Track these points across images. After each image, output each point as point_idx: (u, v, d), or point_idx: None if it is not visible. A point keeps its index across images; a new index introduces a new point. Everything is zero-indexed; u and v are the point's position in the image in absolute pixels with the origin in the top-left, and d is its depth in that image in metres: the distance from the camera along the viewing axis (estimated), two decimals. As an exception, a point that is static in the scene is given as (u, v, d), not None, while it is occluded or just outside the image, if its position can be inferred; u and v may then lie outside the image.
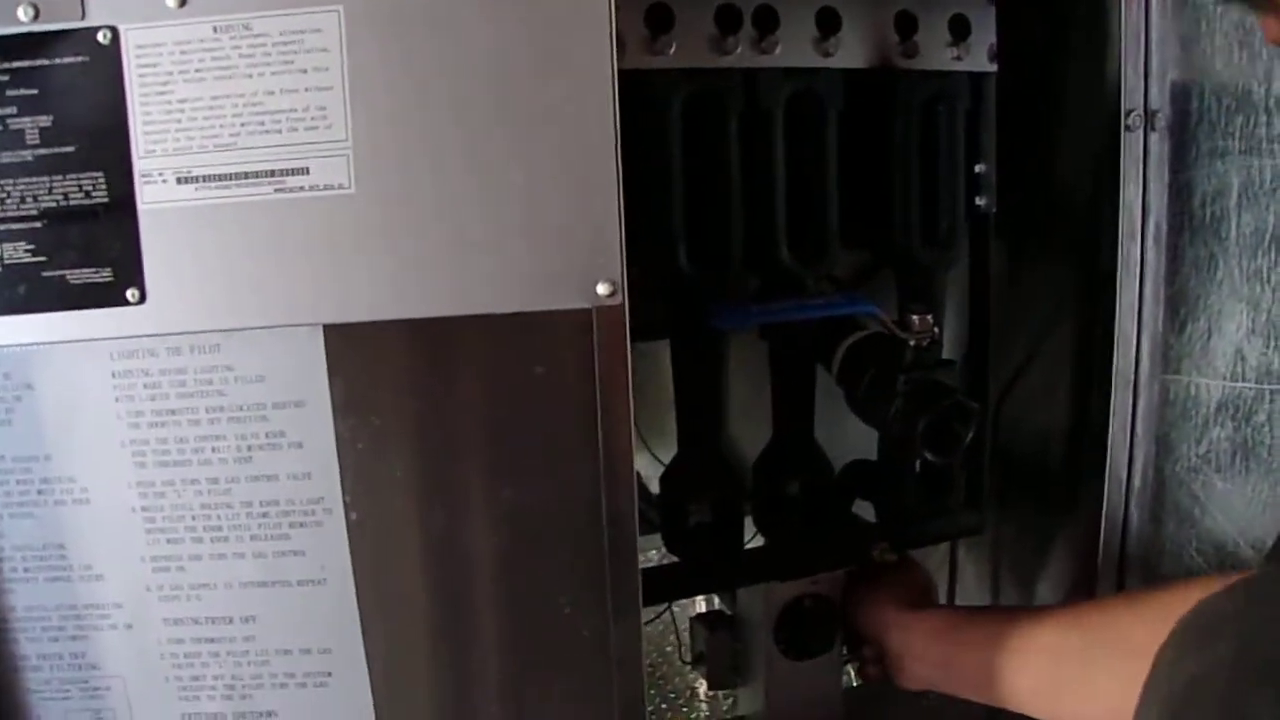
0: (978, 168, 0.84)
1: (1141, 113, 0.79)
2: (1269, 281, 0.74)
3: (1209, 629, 0.45)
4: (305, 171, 0.62)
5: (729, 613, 0.94)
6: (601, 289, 0.63)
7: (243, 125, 0.61)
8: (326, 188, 0.62)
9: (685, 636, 0.96)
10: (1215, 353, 0.78)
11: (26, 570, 0.67)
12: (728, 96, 0.76)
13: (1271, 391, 0.74)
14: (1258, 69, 0.73)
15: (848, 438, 0.89)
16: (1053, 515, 0.93)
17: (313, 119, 0.61)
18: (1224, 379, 0.78)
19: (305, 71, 0.61)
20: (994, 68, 0.82)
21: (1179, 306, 0.81)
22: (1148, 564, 0.85)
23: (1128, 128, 0.79)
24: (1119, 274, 0.80)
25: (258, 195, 0.61)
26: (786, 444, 0.87)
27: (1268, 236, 0.74)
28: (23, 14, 0.60)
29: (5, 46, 0.61)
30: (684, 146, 0.76)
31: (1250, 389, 0.76)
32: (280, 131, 0.61)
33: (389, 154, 0.62)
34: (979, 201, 0.84)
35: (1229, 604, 0.46)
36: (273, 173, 0.61)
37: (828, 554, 0.88)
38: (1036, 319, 0.91)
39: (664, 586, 0.83)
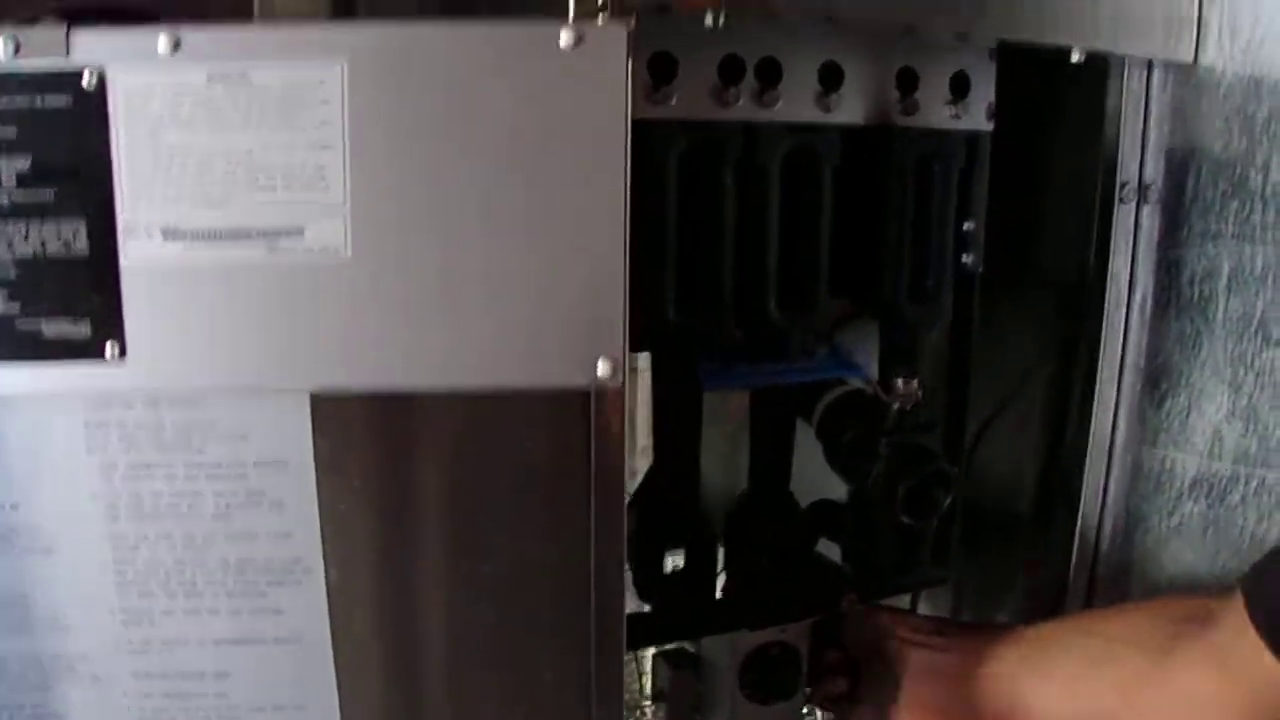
0: (967, 225, 0.83)
1: (1136, 186, 0.79)
2: (1252, 367, 0.75)
3: None
4: (300, 233, 0.59)
5: (692, 651, 0.94)
6: (602, 368, 0.62)
7: (236, 181, 0.58)
8: (321, 250, 0.59)
9: (645, 665, 0.96)
10: (1193, 430, 0.79)
11: (-11, 619, 0.65)
12: (726, 149, 0.74)
13: (1247, 475, 0.76)
14: (1256, 156, 0.73)
15: (819, 475, 0.90)
16: (1016, 568, 0.94)
17: (310, 178, 0.58)
18: (1200, 456, 0.79)
19: (305, 128, 0.58)
20: (990, 126, 0.81)
21: (1160, 381, 0.82)
22: None
23: (1121, 200, 0.79)
24: (1103, 342, 0.81)
25: (249, 255, 0.59)
26: (762, 497, 0.87)
27: (1254, 322, 0.75)
28: (1, 50, 0.57)
29: (-16, 82, 0.57)
30: (678, 197, 0.74)
31: (1226, 470, 0.77)
32: (275, 189, 0.58)
33: (388, 218, 0.59)
34: (966, 259, 0.84)
35: None
36: (266, 232, 0.59)
37: (797, 603, 0.88)
38: (1012, 373, 0.91)
39: (634, 634, 0.83)
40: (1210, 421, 0.78)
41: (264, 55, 0.58)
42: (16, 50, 0.57)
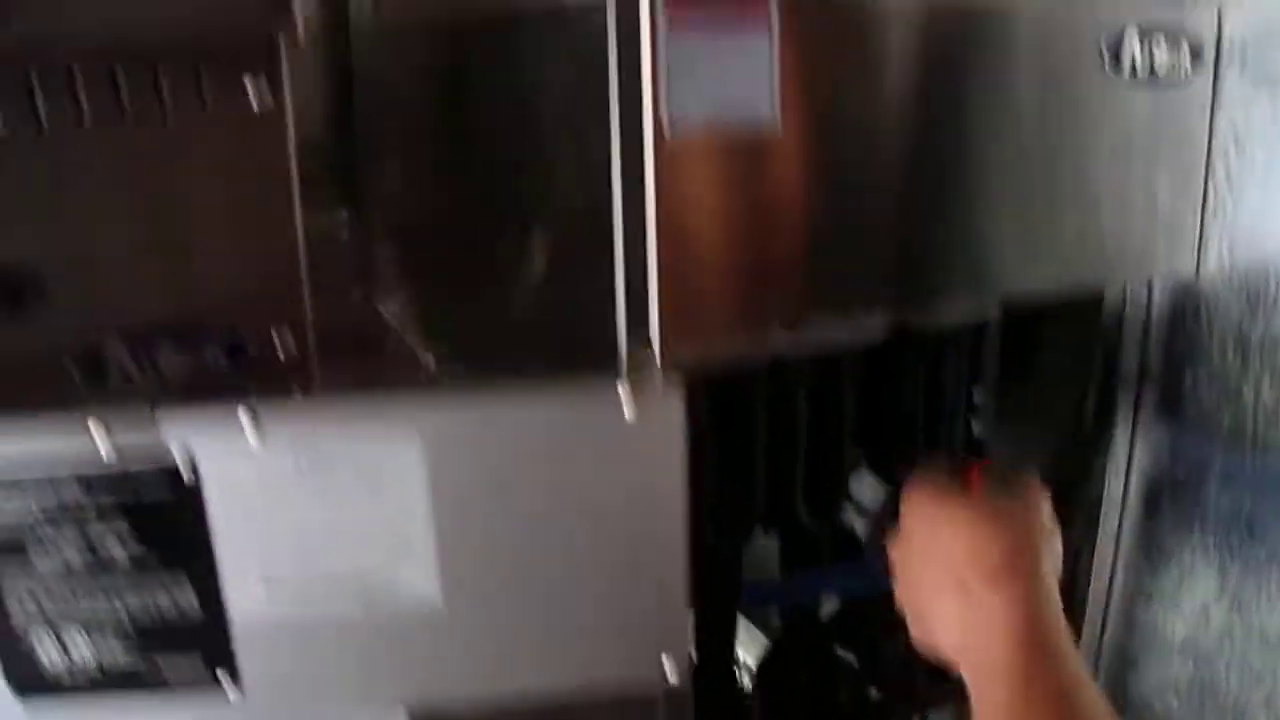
0: (976, 396, 0.89)
1: (1135, 374, 0.85)
2: (1235, 558, 0.83)
3: None
4: (394, 586, 0.65)
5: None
6: (669, 669, 0.69)
7: (331, 547, 0.64)
8: (414, 601, 0.65)
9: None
10: (1184, 600, 0.88)
11: None
12: (757, 386, 0.79)
13: (1230, 649, 0.85)
14: (1249, 374, 0.79)
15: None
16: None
17: (399, 541, 0.64)
18: (1189, 624, 0.88)
19: (390, 500, 0.63)
20: (998, 314, 0.86)
21: (1154, 549, 0.90)
22: None
23: (1121, 384, 0.85)
24: (1103, 506, 0.88)
25: (347, 607, 0.65)
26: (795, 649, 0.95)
27: (1242, 518, 0.82)
28: (105, 455, 0.61)
29: (93, 483, 0.61)
30: (711, 427, 0.79)
31: (1212, 642, 0.86)
32: (368, 551, 0.64)
33: (473, 568, 0.65)
34: (975, 429, 0.90)
35: None
36: (361, 588, 0.65)
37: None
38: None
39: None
40: (1199, 597, 0.87)
41: (346, 439, 0.62)
42: (119, 456, 0.61)
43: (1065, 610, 0.66)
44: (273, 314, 0.68)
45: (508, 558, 0.65)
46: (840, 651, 0.97)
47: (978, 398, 0.88)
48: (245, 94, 0.63)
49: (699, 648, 0.89)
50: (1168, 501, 0.87)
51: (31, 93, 0.59)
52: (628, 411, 0.63)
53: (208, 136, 0.62)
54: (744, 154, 0.64)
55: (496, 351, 0.80)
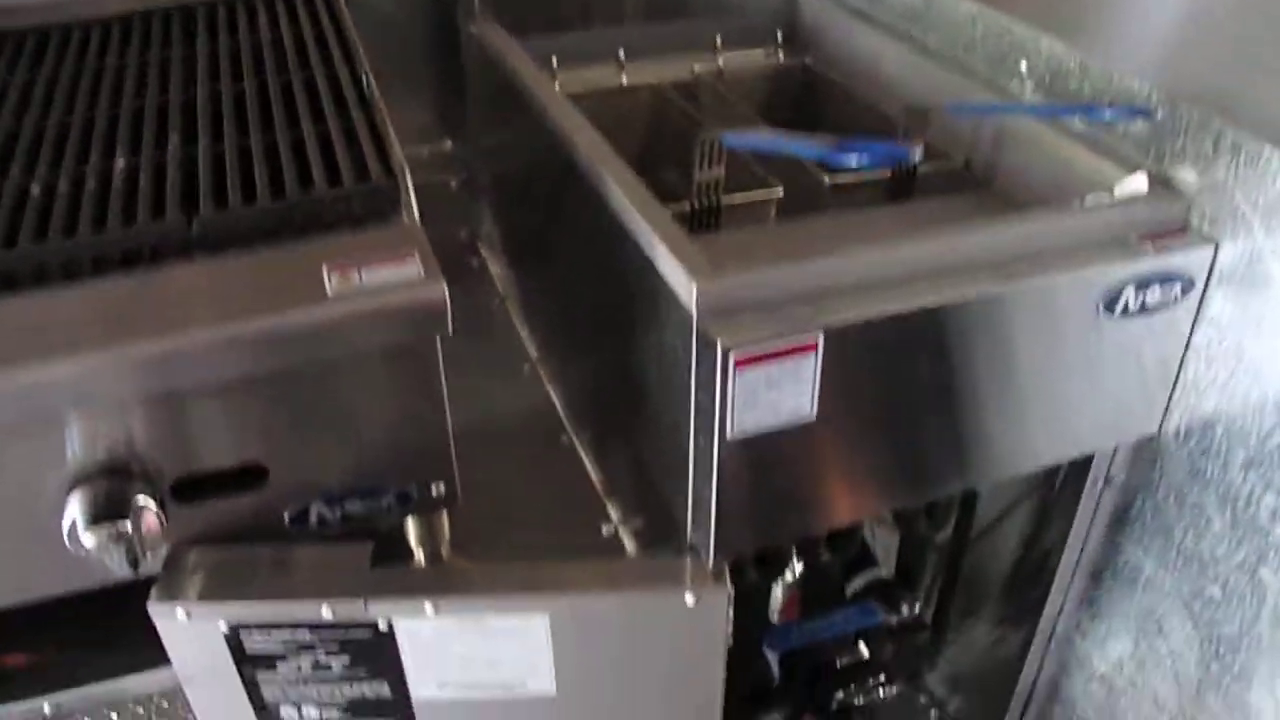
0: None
1: (1103, 480, 1.06)
2: (1145, 641, 1.08)
3: None
4: (524, 685, 0.93)
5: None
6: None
7: (481, 664, 0.92)
8: (538, 693, 0.93)
9: None
10: (1108, 649, 1.14)
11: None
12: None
13: (1133, 693, 1.11)
14: (1183, 518, 1.01)
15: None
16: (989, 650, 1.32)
17: (529, 666, 0.92)
18: (1109, 665, 1.14)
19: (524, 648, 0.90)
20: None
21: (1093, 604, 1.14)
22: None
23: (1089, 487, 1.07)
24: (1061, 562, 1.12)
25: (491, 694, 0.93)
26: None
27: (1156, 616, 1.06)
28: (327, 614, 0.88)
29: (318, 627, 0.89)
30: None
31: (1121, 684, 1.13)
32: (507, 668, 0.92)
33: (576, 680, 0.93)
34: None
35: None
36: (503, 685, 0.93)
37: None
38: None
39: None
40: (1116, 651, 1.13)
41: (495, 612, 0.88)
42: (335, 616, 0.88)
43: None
44: (430, 472, 0.93)
45: (598, 677, 0.93)
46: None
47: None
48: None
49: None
50: (1108, 578, 1.12)
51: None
52: (689, 602, 0.88)
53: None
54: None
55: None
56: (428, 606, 0.88)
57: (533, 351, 1.26)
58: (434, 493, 0.94)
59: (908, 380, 0.86)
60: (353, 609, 0.88)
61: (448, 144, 1.52)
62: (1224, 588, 0.99)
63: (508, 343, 1.26)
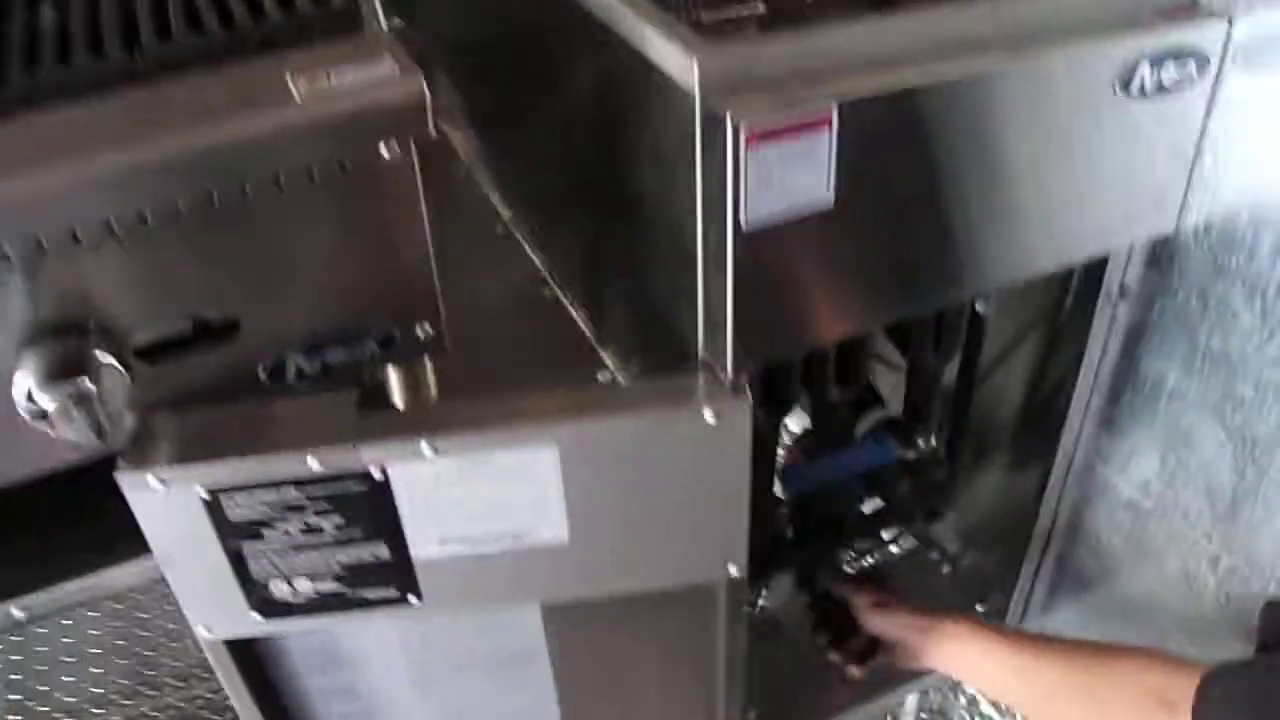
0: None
1: (1118, 291, 1.02)
2: (1175, 454, 1.04)
3: None
4: (533, 533, 0.86)
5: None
6: (733, 570, 0.92)
7: (486, 513, 0.85)
8: (546, 540, 0.87)
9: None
10: (1132, 471, 1.09)
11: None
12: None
13: (1163, 515, 1.07)
14: (1205, 323, 0.97)
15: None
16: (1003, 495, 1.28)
17: (538, 509, 0.85)
18: (1132, 487, 1.10)
19: (533, 485, 0.83)
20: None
21: (1113, 426, 1.10)
22: (1060, 564, 1.22)
23: (1103, 301, 1.02)
24: (1077, 384, 1.07)
25: (499, 546, 0.87)
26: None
27: (1185, 427, 1.02)
28: (315, 465, 0.81)
29: (305, 483, 0.81)
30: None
31: (1151, 505, 1.08)
32: (515, 516, 0.85)
33: (590, 522, 0.86)
34: (979, 307, 1.08)
35: None
36: (510, 534, 0.86)
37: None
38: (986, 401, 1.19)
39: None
40: (1143, 471, 1.08)
41: (499, 448, 0.82)
42: (323, 465, 0.81)
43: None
44: (414, 313, 0.86)
45: (616, 515, 0.87)
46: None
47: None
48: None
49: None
50: (1128, 395, 1.08)
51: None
52: (709, 419, 0.82)
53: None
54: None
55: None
56: (425, 447, 0.81)
57: (506, 214, 1.19)
58: (420, 335, 0.87)
59: (923, 166, 0.80)
60: (343, 457, 0.81)
61: (396, 21, 1.44)
62: (1256, 386, 0.95)
63: (479, 209, 1.19)
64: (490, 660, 0.99)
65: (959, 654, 1.09)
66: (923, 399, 1.10)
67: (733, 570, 0.92)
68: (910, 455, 1.10)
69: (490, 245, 1.13)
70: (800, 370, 1.01)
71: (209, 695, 1.13)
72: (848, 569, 1.29)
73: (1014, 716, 1.43)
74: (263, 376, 0.84)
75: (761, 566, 1.21)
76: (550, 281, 1.08)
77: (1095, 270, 1.02)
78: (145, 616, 1.04)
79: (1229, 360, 0.95)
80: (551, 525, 0.86)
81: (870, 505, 1.21)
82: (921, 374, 1.09)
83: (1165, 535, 1.08)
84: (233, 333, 0.81)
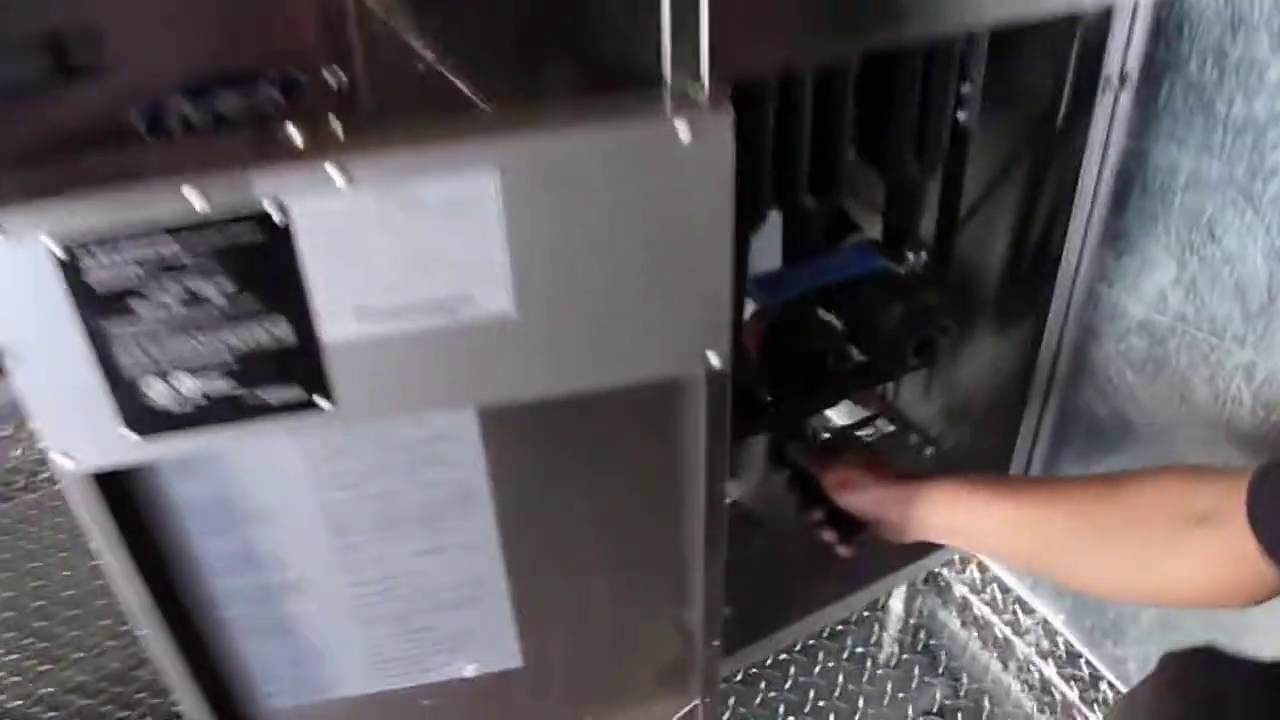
0: (965, 87, 0.95)
1: (1117, 79, 0.90)
2: (1195, 253, 0.92)
3: None
4: (471, 300, 0.71)
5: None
6: (713, 359, 0.77)
7: (415, 271, 0.69)
8: (489, 312, 0.72)
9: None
10: (1144, 284, 0.98)
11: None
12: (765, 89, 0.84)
13: (1183, 330, 0.95)
14: (1224, 89, 0.86)
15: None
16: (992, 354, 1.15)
17: (477, 261, 0.70)
18: (1146, 305, 0.98)
19: (469, 225, 0.68)
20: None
21: (1120, 240, 0.98)
22: (1063, 417, 1.09)
23: (1104, 89, 0.90)
24: (1075, 200, 0.95)
25: (429, 322, 0.71)
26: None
27: (1203, 219, 0.91)
28: (198, 204, 0.65)
29: (188, 236, 0.66)
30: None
31: (1167, 321, 0.96)
32: (452, 270, 0.70)
33: (541, 281, 0.71)
34: (961, 117, 0.96)
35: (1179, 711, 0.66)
36: (442, 303, 0.71)
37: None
38: (984, 225, 1.07)
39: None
40: (1158, 283, 0.97)
41: (428, 173, 0.67)
42: (209, 202, 0.65)
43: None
44: (320, 55, 0.71)
45: (572, 271, 0.72)
46: (826, 317, 1.07)
47: (966, 89, 0.94)
48: None
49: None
50: (1136, 197, 0.96)
51: None
52: (683, 135, 0.68)
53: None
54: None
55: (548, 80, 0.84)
56: (334, 174, 0.65)
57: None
58: (333, 83, 0.73)
59: None
60: (231, 190, 0.65)
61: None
62: (1291, 147, 0.83)
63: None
64: (421, 509, 0.83)
65: (950, 519, 0.95)
66: (906, 216, 0.97)
67: (713, 360, 0.78)
68: (899, 269, 0.97)
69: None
70: (771, 175, 0.88)
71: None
72: (813, 440, 1.14)
73: (1013, 610, 1.27)
74: (139, 126, 0.68)
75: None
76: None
77: (1091, 61, 0.91)
78: None
79: (1256, 125, 0.84)
80: (493, 288, 0.71)
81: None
82: (903, 188, 0.97)
83: (1188, 353, 0.96)
84: (87, 49, 0.66)
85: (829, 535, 1.06)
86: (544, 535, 0.87)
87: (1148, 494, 0.82)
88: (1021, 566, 1.01)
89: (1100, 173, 0.94)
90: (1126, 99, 0.91)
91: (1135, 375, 1.02)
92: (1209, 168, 0.89)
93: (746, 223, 0.89)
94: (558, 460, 0.83)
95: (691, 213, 0.72)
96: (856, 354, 1.04)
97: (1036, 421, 1.10)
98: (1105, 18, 0.88)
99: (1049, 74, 0.94)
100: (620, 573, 0.91)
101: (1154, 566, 0.78)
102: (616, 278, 0.73)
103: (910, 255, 0.96)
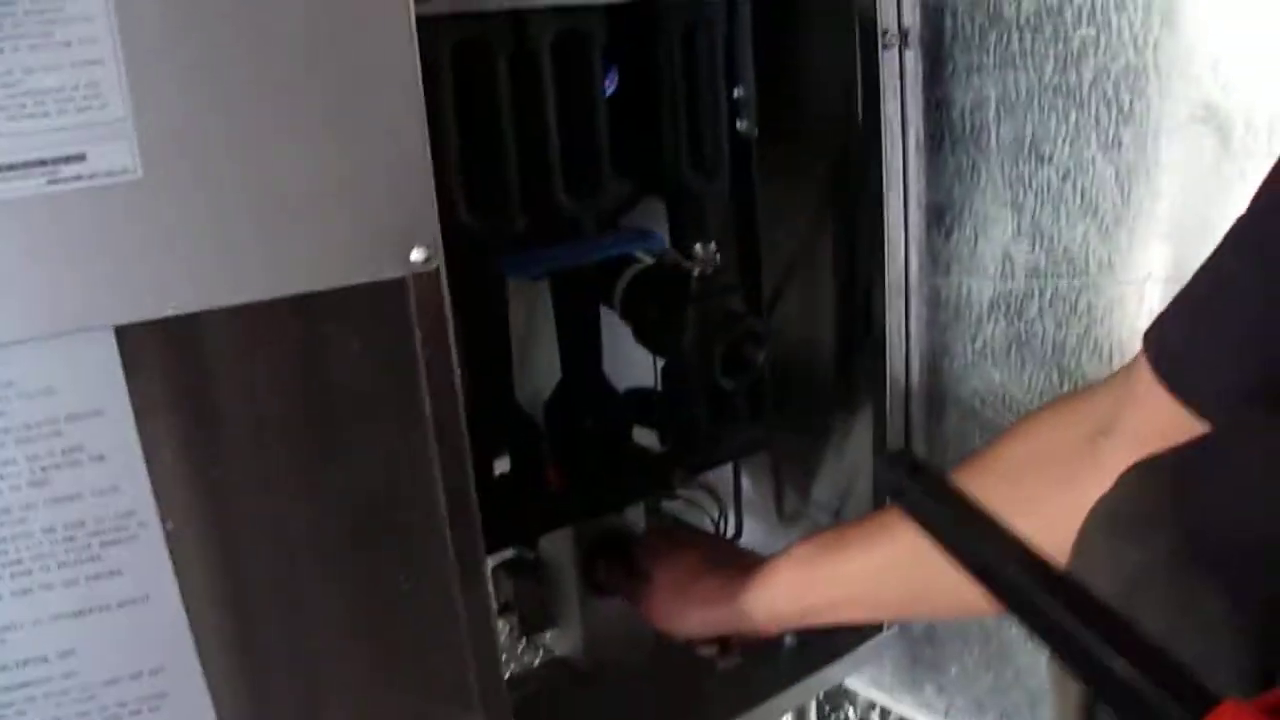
0: (737, 92, 0.86)
1: (896, 32, 0.82)
2: (1030, 186, 0.80)
3: (1139, 522, 0.46)
4: (82, 158, 0.54)
5: (529, 557, 0.93)
6: (416, 255, 0.60)
7: (1, 110, 0.53)
8: (109, 174, 0.55)
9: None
10: (984, 256, 0.84)
11: None
12: (496, 40, 0.74)
13: (1040, 288, 0.81)
14: (1008, -18, 0.78)
15: (630, 366, 0.91)
16: (830, 423, 0.98)
17: (85, 98, 0.54)
18: (993, 279, 0.84)
19: (69, 44, 0.53)
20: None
21: (945, 214, 0.86)
22: (933, 458, 0.91)
23: (884, 46, 0.82)
24: (884, 186, 0.84)
25: (28, 189, 0.54)
26: (577, 385, 0.87)
27: (1026, 145, 0.79)
28: None
29: None
30: (455, 94, 0.73)
31: (1019, 287, 0.82)
32: (48, 115, 0.53)
33: (178, 130, 0.55)
34: (740, 125, 0.86)
35: (1154, 493, 0.47)
36: (43, 161, 0.54)
37: (627, 488, 0.89)
38: (801, 229, 0.94)
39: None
40: (998, 245, 0.83)
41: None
42: None
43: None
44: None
45: (214, 115, 0.55)
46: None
47: (739, 93, 0.85)
48: None
49: (467, 355, 0.80)
50: (949, 153, 0.84)
51: None
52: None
53: None
54: None
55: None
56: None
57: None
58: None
59: None
60: None
61: None
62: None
63: None
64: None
65: (804, 593, 0.78)
66: (692, 223, 0.83)
67: (417, 256, 0.60)
68: (690, 267, 0.79)
69: None
70: (516, 158, 0.75)
71: None
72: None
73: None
74: None
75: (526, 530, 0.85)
76: None
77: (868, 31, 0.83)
78: None
79: (1050, 8, 0.74)
80: (111, 136, 0.54)
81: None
82: (683, 201, 0.83)
83: (1053, 313, 0.78)
84: None
85: (705, 649, 0.86)
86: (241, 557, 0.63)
87: (1027, 444, 0.68)
88: (915, 606, 0.79)
89: (905, 144, 0.83)
90: (912, 53, 0.82)
91: (1002, 374, 0.84)
92: (1017, 83, 0.78)
93: (491, 210, 0.75)
94: (243, 417, 0.62)
95: (362, 37, 0.57)
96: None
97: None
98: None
99: (829, 60, 0.86)
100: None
101: (1074, 504, 0.59)
102: (274, 125, 0.57)
103: (699, 248, 0.80)
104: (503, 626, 0.93)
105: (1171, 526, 0.44)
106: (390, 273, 0.61)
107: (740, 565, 0.85)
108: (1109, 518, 0.48)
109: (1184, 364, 0.56)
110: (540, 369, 0.92)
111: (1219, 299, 0.55)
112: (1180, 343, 0.57)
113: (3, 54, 0.53)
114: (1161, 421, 0.56)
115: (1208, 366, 0.54)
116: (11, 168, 0.53)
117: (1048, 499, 0.63)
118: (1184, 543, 0.44)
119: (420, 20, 0.69)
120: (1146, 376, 0.57)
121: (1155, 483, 0.47)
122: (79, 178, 0.54)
